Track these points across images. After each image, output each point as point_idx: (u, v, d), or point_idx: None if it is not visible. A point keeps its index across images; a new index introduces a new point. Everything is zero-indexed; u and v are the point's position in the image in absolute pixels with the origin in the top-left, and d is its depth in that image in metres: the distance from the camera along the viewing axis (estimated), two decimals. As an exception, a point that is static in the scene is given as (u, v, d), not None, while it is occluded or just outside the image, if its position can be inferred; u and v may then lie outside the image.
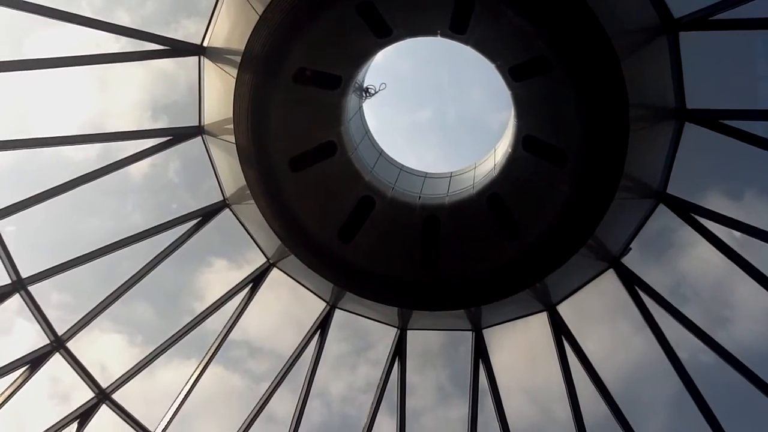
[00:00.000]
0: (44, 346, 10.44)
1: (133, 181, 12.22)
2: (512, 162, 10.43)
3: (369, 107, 11.53)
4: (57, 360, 10.54)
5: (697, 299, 11.78)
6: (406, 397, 11.94)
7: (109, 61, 10.33)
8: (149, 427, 11.18)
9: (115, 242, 10.66)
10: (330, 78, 10.08)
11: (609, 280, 11.04)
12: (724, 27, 9.17)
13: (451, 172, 11.79)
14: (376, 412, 11.85)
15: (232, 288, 11.54)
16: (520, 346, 12.71)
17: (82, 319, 10.61)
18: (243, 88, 9.86)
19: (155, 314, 13.12)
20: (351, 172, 10.85)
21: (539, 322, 11.66)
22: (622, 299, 10.92)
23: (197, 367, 11.47)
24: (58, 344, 10.48)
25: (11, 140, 9.81)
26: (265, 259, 11.71)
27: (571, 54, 9.16)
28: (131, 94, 11.91)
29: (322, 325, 11.99)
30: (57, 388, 11.66)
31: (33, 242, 11.20)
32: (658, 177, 10.17)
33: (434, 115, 22.98)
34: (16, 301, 10.11)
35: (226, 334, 11.53)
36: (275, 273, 11.79)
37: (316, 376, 11.84)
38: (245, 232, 11.58)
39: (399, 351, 12.04)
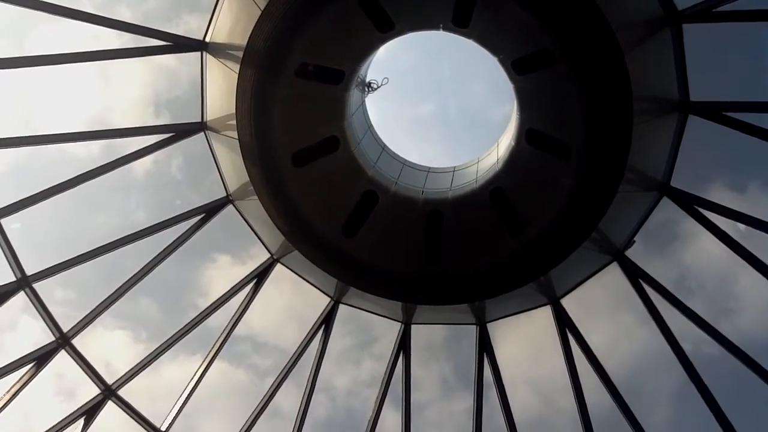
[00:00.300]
0: (50, 343, 10.45)
1: (136, 178, 12.26)
2: (515, 156, 10.41)
3: (371, 101, 11.53)
4: (62, 357, 10.56)
5: (701, 291, 11.84)
6: (411, 390, 11.99)
7: (112, 57, 10.31)
8: (155, 423, 11.21)
9: (119, 239, 10.67)
10: (332, 73, 10.06)
11: (613, 273, 11.06)
12: (727, 19, 9.14)
13: (454, 167, 11.76)
14: (381, 406, 11.89)
15: (237, 284, 11.55)
16: (525, 339, 12.76)
17: (87, 315, 10.62)
18: (245, 84, 9.85)
19: (160, 310, 13.19)
20: (354, 167, 10.85)
21: (543, 316, 11.68)
22: (626, 292, 10.94)
23: (202, 363, 11.51)
24: (63, 341, 10.50)
25: (15, 137, 9.79)
26: (268, 255, 11.73)
27: (575, 47, 9.13)
28: (134, 91, 11.94)
29: (327, 320, 12.01)
30: (63, 385, 11.73)
31: (37, 239, 11.22)
32: (661, 169, 10.15)
33: (436, 109, 22.94)
34: (21, 298, 10.13)
35: (230, 330, 11.55)
36: (279, 268, 11.81)
37: (321, 370, 11.88)
38: (249, 228, 11.58)
39: (403, 345, 12.07)
